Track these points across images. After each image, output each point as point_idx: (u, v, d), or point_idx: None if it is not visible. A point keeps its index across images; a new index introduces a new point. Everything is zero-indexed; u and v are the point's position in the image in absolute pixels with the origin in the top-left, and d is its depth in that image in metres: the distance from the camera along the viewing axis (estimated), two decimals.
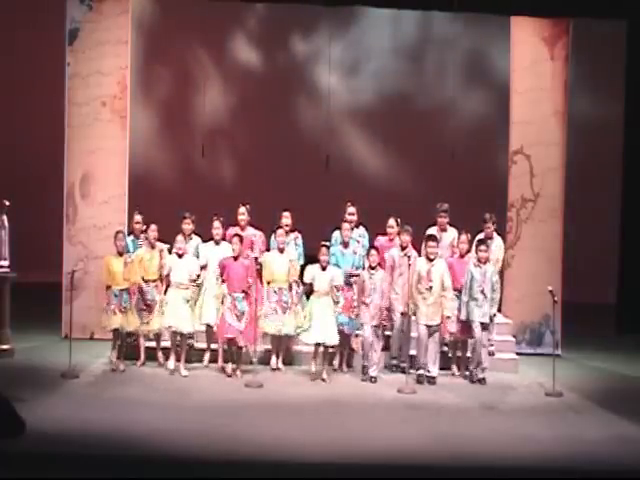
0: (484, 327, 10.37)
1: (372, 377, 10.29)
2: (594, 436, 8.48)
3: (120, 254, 10.43)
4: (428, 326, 10.27)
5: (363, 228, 11.05)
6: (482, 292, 10.33)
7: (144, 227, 10.93)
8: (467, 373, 10.55)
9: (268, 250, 10.80)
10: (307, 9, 14.54)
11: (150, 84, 15.75)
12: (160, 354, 10.73)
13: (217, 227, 10.74)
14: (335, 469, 7.37)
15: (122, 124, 12.37)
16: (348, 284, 10.53)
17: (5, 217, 11.20)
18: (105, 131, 12.33)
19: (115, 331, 10.44)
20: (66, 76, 12.33)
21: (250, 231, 10.99)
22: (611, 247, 14.57)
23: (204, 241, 10.88)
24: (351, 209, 10.99)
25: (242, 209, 10.98)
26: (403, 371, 10.34)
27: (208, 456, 7.53)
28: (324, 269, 10.32)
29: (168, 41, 15.68)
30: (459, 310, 10.46)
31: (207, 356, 10.83)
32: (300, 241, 11.19)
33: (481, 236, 11.12)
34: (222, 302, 10.26)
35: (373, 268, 10.28)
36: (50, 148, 13.42)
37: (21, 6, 15.20)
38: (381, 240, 10.92)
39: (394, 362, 10.71)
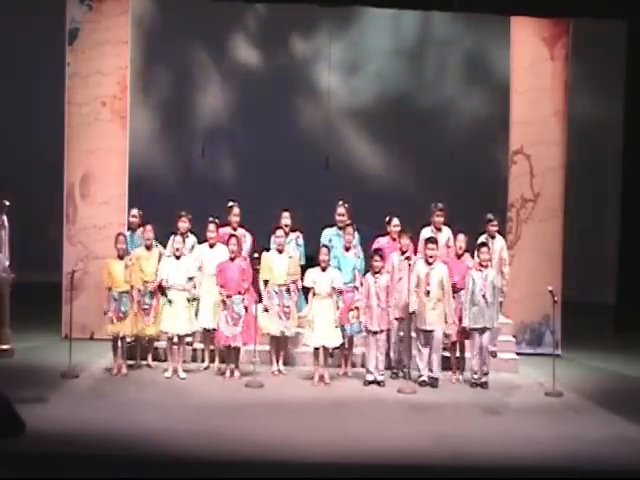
0: (485, 332, 10.33)
1: (380, 381, 10.26)
2: (594, 436, 8.48)
3: (120, 257, 10.41)
4: (428, 330, 10.24)
5: (351, 228, 10.93)
6: (483, 297, 10.29)
7: (140, 222, 10.98)
8: (473, 376, 10.46)
9: (258, 250, 10.74)
10: (307, 9, 14.56)
11: (150, 84, 15.75)
12: (150, 358, 10.77)
13: (212, 230, 10.73)
14: (335, 469, 7.37)
15: (122, 124, 12.38)
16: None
17: (5, 217, 11.20)
18: (105, 131, 12.34)
19: (115, 336, 10.41)
20: (66, 76, 12.34)
21: (240, 231, 10.98)
22: (611, 247, 14.61)
23: (200, 242, 10.88)
24: (341, 209, 10.97)
25: (236, 209, 10.98)
26: (405, 376, 10.35)
27: (208, 456, 7.53)
28: (324, 270, 10.30)
29: (168, 41, 15.67)
30: (457, 313, 10.44)
31: (207, 357, 10.84)
32: (301, 241, 11.20)
33: (483, 237, 11.11)
34: (220, 307, 10.27)
35: (377, 272, 10.26)
36: (50, 148, 13.41)
37: (21, 6, 15.20)
38: (382, 241, 10.89)
39: (394, 370, 10.64)
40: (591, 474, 7.50)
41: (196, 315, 10.52)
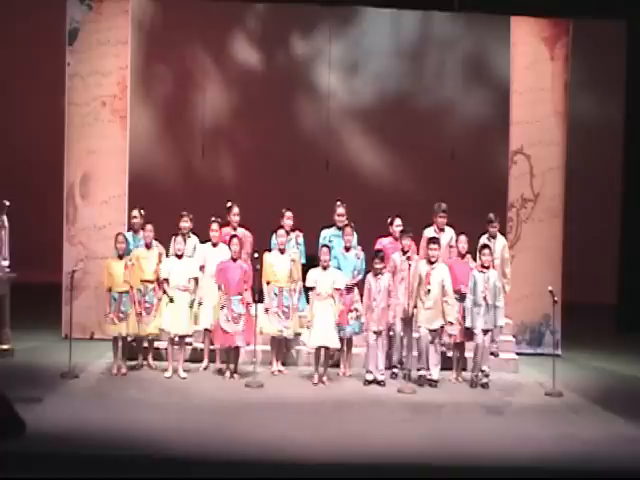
0: (487, 333, 10.32)
1: (380, 381, 10.26)
2: (594, 436, 8.48)
3: (120, 257, 10.40)
4: (428, 330, 10.22)
5: (349, 228, 10.89)
6: (485, 298, 10.28)
7: (142, 223, 10.99)
8: (474, 376, 10.45)
9: (257, 251, 10.74)
10: (307, 9, 14.56)
11: (150, 84, 15.75)
12: (151, 358, 10.78)
13: (215, 230, 10.74)
14: (335, 469, 7.37)
15: (122, 124, 12.38)
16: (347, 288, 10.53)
17: (5, 217, 11.20)
18: (105, 131, 12.34)
19: (116, 336, 10.40)
20: (66, 76, 12.34)
21: (240, 231, 10.97)
22: (611, 247, 14.59)
23: (201, 241, 10.88)
24: (340, 209, 10.96)
25: (236, 209, 10.99)
26: (404, 377, 10.34)
27: (208, 456, 7.53)
28: (325, 269, 10.29)
29: (168, 41, 15.67)
30: (461, 313, 10.43)
31: (206, 357, 10.83)
32: (301, 240, 11.17)
33: (484, 237, 11.11)
34: (220, 307, 10.27)
35: (378, 273, 10.25)
36: (50, 148, 13.41)
37: (21, 6, 15.21)
38: (384, 242, 10.89)
39: (395, 370, 10.63)
40: (591, 474, 7.50)
41: (197, 316, 10.52)
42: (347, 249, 10.71)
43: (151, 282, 10.49)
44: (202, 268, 10.60)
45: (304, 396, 9.69)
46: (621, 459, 7.84)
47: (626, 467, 7.65)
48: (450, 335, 10.47)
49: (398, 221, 10.86)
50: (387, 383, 10.24)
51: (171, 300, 10.29)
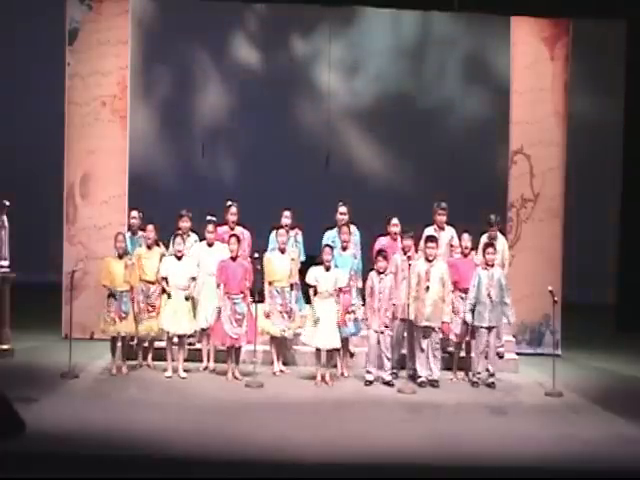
0: (491, 331, 10.32)
1: (388, 381, 10.22)
2: (594, 436, 8.48)
3: (120, 256, 10.40)
4: (428, 328, 10.23)
5: (354, 227, 10.94)
6: (489, 295, 10.28)
7: (141, 223, 10.98)
8: (472, 376, 10.45)
9: (257, 250, 10.74)
10: (307, 9, 14.58)
11: (150, 84, 15.75)
12: (150, 358, 10.77)
13: (211, 230, 10.74)
14: (335, 469, 7.37)
15: (122, 124, 12.38)
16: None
17: (5, 217, 11.21)
18: (105, 131, 12.34)
19: (115, 336, 10.40)
20: (66, 76, 12.34)
21: (238, 229, 10.97)
22: (611, 247, 14.61)
23: (200, 240, 10.89)
24: (342, 209, 10.96)
25: (234, 209, 10.99)
26: (411, 377, 10.33)
27: (208, 456, 7.53)
28: (327, 269, 10.28)
29: (168, 41, 15.68)
30: (465, 312, 10.42)
31: (205, 358, 10.83)
32: (300, 238, 11.16)
33: (484, 237, 11.10)
34: (222, 307, 10.26)
35: (381, 273, 10.25)
36: (50, 148, 13.42)
37: (21, 6, 15.21)
38: (382, 241, 10.88)
39: (394, 371, 10.60)
40: (591, 474, 7.49)
41: (195, 315, 10.52)
42: (344, 249, 10.70)
43: (153, 283, 10.49)
44: (197, 266, 10.59)
45: (304, 396, 9.69)
46: (621, 459, 7.84)
47: (626, 467, 7.65)
48: (456, 334, 10.49)
49: (395, 221, 10.86)
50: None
51: (169, 296, 10.28)
